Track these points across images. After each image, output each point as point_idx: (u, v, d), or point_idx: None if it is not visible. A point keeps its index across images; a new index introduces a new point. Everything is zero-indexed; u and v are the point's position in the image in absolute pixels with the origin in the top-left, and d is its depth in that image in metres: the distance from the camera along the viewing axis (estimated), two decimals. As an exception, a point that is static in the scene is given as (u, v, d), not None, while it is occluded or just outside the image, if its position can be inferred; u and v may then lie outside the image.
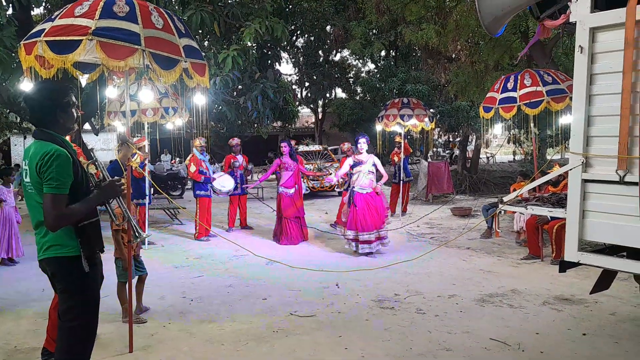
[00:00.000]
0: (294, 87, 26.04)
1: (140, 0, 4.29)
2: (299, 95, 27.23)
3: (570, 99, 6.83)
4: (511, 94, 8.05)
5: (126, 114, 4.87)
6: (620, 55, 3.32)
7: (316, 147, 18.35)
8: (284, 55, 23.62)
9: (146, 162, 8.82)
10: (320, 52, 25.53)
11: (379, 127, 11.69)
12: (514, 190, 6.45)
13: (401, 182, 11.80)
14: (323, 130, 29.44)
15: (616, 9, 3.36)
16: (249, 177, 10.94)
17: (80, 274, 2.86)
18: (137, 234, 3.30)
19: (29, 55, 4.03)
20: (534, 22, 9.33)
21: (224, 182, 9.69)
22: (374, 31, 20.49)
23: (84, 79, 4.92)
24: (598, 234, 3.62)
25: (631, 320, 4.91)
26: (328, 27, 23.32)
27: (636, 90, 3.30)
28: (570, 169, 3.67)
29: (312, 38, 24.21)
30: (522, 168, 18.11)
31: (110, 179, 3.03)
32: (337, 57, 27.15)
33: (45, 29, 4.02)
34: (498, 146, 25.98)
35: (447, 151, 28.82)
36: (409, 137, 18.76)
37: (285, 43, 18.36)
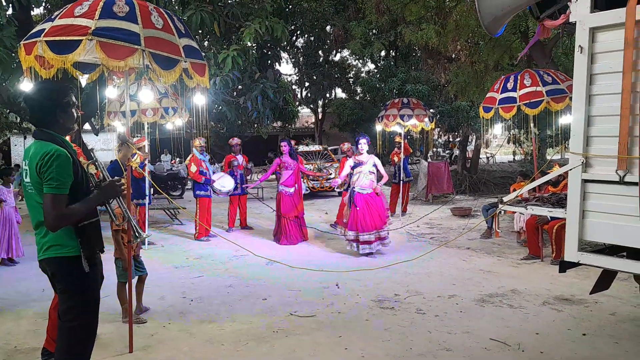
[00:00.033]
0: (293, 87, 26.04)
1: (140, 0, 4.29)
2: (298, 96, 27.23)
3: (570, 99, 6.84)
4: (511, 94, 8.05)
5: (126, 114, 4.87)
6: (620, 55, 3.32)
7: (316, 147, 18.34)
8: (284, 55, 23.63)
9: (146, 162, 8.82)
10: (320, 52, 25.53)
11: (378, 127, 11.69)
12: (514, 190, 6.45)
13: (401, 182, 11.80)
14: (323, 131, 29.44)
15: (616, 9, 3.36)
16: (249, 177, 10.94)
17: (80, 274, 2.86)
18: (137, 234, 3.30)
19: (29, 56, 4.03)
20: (533, 22, 9.33)
21: (224, 182, 9.70)
22: (374, 31, 20.49)
23: (83, 79, 4.92)
24: (598, 234, 3.62)
25: (631, 320, 4.91)
26: (328, 27, 23.32)
27: (636, 90, 3.30)
28: (570, 169, 3.67)
29: (312, 38, 24.21)
30: (522, 168, 18.12)
31: (110, 179, 3.03)
32: (337, 57, 27.18)
33: (45, 29, 4.02)
34: (498, 146, 26.00)
35: (447, 151, 28.83)
36: (408, 137, 18.77)
37: (285, 43, 18.37)
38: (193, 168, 9.30)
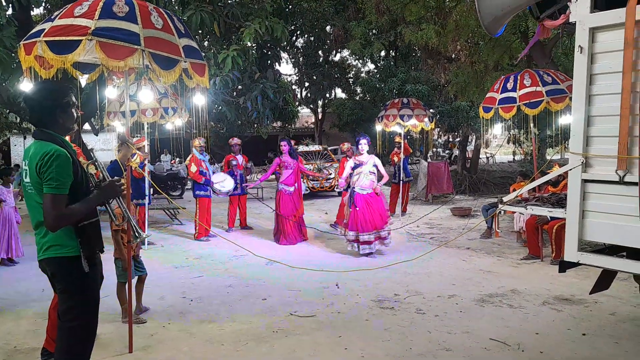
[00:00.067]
0: (293, 87, 26.04)
1: (140, 0, 4.29)
2: (298, 96, 27.22)
3: (570, 99, 6.84)
4: (511, 94, 8.06)
5: (126, 114, 4.87)
6: (620, 55, 3.32)
7: (316, 148, 18.35)
8: (284, 55, 23.62)
9: (146, 162, 8.82)
10: (320, 52, 25.52)
11: (378, 128, 11.70)
12: (514, 190, 6.45)
13: (401, 182, 11.80)
14: (323, 131, 29.44)
15: (616, 9, 3.36)
16: (249, 177, 10.95)
17: (80, 274, 2.86)
18: (136, 235, 3.30)
19: (29, 56, 4.03)
20: (533, 22, 9.34)
21: (223, 183, 9.70)
22: (374, 31, 20.49)
23: (83, 79, 4.92)
24: (598, 234, 3.62)
25: (631, 320, 4.91)
26: (328, 27, 23.32)
27: (636, 90, 3.30)
28: (570, 169, 3.67)
29: (312, 38, 24.21)
30: (521, 168, 18.12)
31: (110, 179, 3.03)
32: (337, 57, 27.16)
33: (44, 29, 4.02)
34: (498, 146, 26.01)
35: (447, 151, 28.84)
36: (408, 137, 18.75)
37: (285, 43, 18.35)
38: (193, 168, 9.30)
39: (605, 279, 4.16)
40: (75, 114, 3.03)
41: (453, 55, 15.95)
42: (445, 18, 12.69)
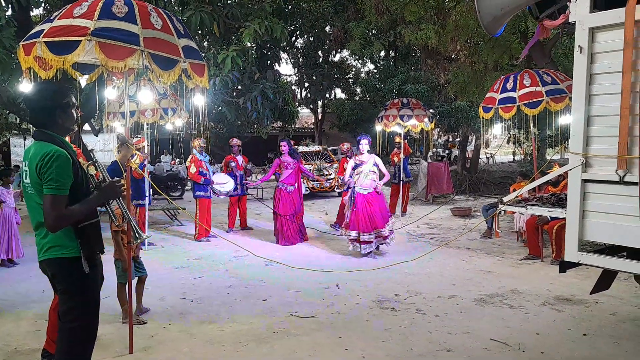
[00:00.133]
0: (293, 87, 26.04)
1: (139, 0, 4.29)
2: (298, 96, 27.23)
3: (570, 99, 6.84)
4: (510, 94, 8.06)
5: (125, 114, 4.86)
6: (620, 55, 3.32)
7: (316, 148, 18.34)
8: (284, 55, 23.61)
9: (146, 162, 8.82)
10: (319, 52, 25.53)
11: (378, 128, 11.70)
12: (514, 190, 6.45)
13: (401, 182, 11.80)
14: (323, 131, 29.44)
15: (615, 9, 3.36)
16: (249, 177, 10.95)
17: (80, 275, 2.86)
18: (137, 235, 3.29)
19: (28, 56, 4.02)
20: (533, 22, 9.34)
21: (224, 183, 9.70)
22: (374, 31, 20.49)
23: (83, 80, 4.92)
24: (598, 234, 3.62)
25: (631, 320, 4.91)
26: (327, 28, 23.32)
27: (636, 90, 3.30)
28: (570, 169, 3.67)
29: (312, 38, 24.21)
30: (521, 168, 18.12)
31: (110, 179, 3.03)
32: (337, 58, 27.17)
33: (44, 29, 4.01)
34: (498, 146, 26.01)
35: (446, 151, 28.85)
36: (408, 137, 18.76)
37: (285, 43, 18.37)
38: (192, 169, 9.30)
39: (606, 279, 4.16)
40: (75, 115, 3.03)
41: (453, 56, 15.96)
42: (445, 18, 12.69)
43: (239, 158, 10.46)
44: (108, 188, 2.96)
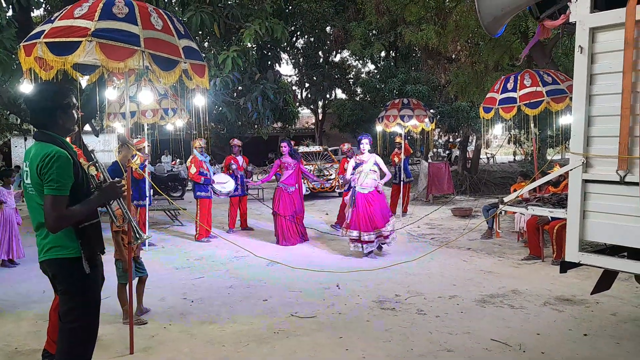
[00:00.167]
0: (294, 88, 26.05)
1: (140, 1, 4.29)
2: (299, 96, 27.24)
3: (570, 99, 6.83)
4: (511, 94, 8.05)
5: (126, 115, 4.87)
6: (620, 55, 3.32)
7: (316, 148, 18.34)
8: (284, 56, 23.64)
9: (146, 163, 8.82)
10: (320, 53, 25.54)
11: (379, 128, 11.69)
12: (515, 190, 6.46)
13: (401, 182, 11.80)
14: (323, 131, 29.45)
15: (616, 9, 3.36)
16: (249, 178, 10.95)
17: (81, 275, 2.86)
18: (137, 236, 3.29)
19: (29, 57, 4.03)
20: (533, 23, 9.33)
21: (224, 183, 9.70)
22: (374, 32, 20.50)
23: (83, 81, 4.91)
24: (599, 234, 3.62)
25: (632, 320, 4.91)
26: (328, 28, 23.34)
27: (636, 90, 3.30)
28: (571, 169, 3.67)
29: (312, 39, 24.23)
30: (522, 168, 18.11)
31: (111, 180, 3.03)
32: (337, 58, 27.19)
33: (44, 30, 4.02)
34: (498, 146, 25.99)
35: (446, 152, 28.85)
36: (409, 137, 18.77)
37: (285, 44, 18.35)
38: (193, 169, 9.31)
39: (606, 279, 4.16)
40: (75, 115, 3.03)
41: (453, 56, 15.94)
42: (445, 18, 12.67)
43: (240, 158, 10.46)
44: (109, 188, 2.96)
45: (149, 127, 9.74)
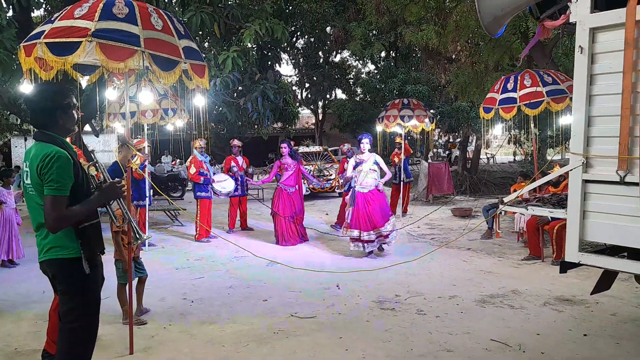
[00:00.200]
0: (294, 88, 26.06)
1: (140, 1, 4.29)
2: (299, 97, 27.25)
3: (570, 99, 6.83)
4: (511, 94, 8.05)
5: (126, 115, 4.87)
6: (621, 56, 3.32)
7: (316, 148, 18.34)
8: (284, 56, 23.65)
9: (146, 163, 8.82)
10: (320, 53, 25.55)
11: (379, 128, 11.70)
12: (515, 190, 6.46)
13: (401, 182, 11.80)
14: (323, 131, 29.45)
15: (616, 9, 3.36)
16: (250, 178, 10.96)
17: (81, 275, 2.86)
18: (137, 236, 3.29)
19: (29, 57, 4.03)
20: (533, 23, 9.33)
21: (224, 184, 9.70)
22: (374, 32, 20.50)
23: (84, 81, 4.91)
24: (599, 234, 3.62)
25: (632, 320, 4.91)
26: (328, 28, 23.34)
27: (636, 90, 3.30)
28: (571, 170, 3.67)
29: (312, 39, 24.23)
30: (522, 168, 18.10)
31: (111, 180, 3.03)
32: (337, 58, 27.21)
33: (45, 30, 4.02)
34: (498, 147, 25.99)
35: (446, 152, 28.85)
36: (409, 137, 18.77)
37: (286, 44, 18.36)
38: (192, 169, 9.31)
39: (606, 279, 4.16)
40: (75, 116, 3.03)
41: (453, 56, 15.93)
42: (446, 19, 12.67)
43: (240, 159, 10.47)
44: (109, 189, 2.96)
45: (149, 127, 9.74)
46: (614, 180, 3.42)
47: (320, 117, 29.24)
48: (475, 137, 20.94)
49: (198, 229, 9.25)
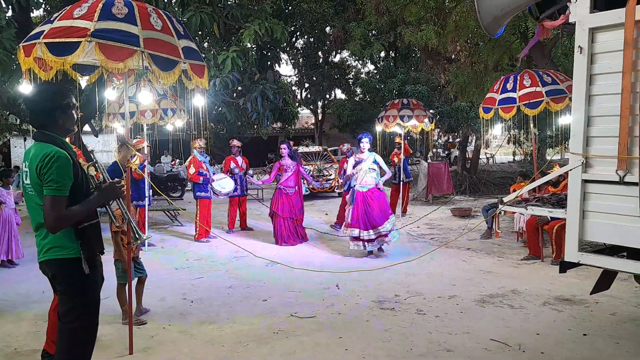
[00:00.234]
0: (293, 88, 26.07)
1: (139, 1, 4.29)
2: (298, 97, 27.26)
3: (570, 99, 6.84)
4: (511, 94, 8.06)
5: (125, 115, 4.87)
6: (620, 56, 3.32)
7: (316, 148, 18.34)
8: (284, 56, 23.65)
9: (145, 163, 8.82)
10: (319, 53, 25.56)
11: (378, 128, 11.69)
12: (514, 190, 6.46)
13: (401, 182, 11.80)
14: (323, 131, 29.46)
15: (615, 9, 3.36)
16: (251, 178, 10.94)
17: (80, 275, 2.86)
18: (137, 236, 3.29)
19: (28, 57, 4.02)
20: (533, 23, 9.34)
21: (223, 184, 9.70)
22: (374, 32, 20.51)
23: (83, 81, 4.91)
24: (598, 234, 3.62)
25: (632, 320, 4.91)
26: (327, 28, 23.34)
27: (636, 90, 3.30)
28: (570, 170, 3.67)
29: (312, 39, 24.23)
30: (522, 168, 18.12)
31: (110, 180, 3.03)
32: (337, 58, 27.22)
33: (44, 30, 4.01)
34: (498, 147, 26.01)
35: (446, 152, 28.86)
36: (408, 137, 18.76)
37: (285, 44, 18.37)
38: (192, 170, 9.32)
39: (606, 279, 4.16)
40: (75, 116, 3.03)
41: (453, 56, 15.96)
42: (445, 19, 12.69)
43: (239, 159, 10.46)
44: (108, 189, 2.96)
45: (148, 127, 9.74)
46: (614, 180, 3.42)
47: (320, 117, 29.24)
48: (474, 137, 20.95)
49: (198, 229, 9.25)
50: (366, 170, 7.75)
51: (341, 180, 8.63)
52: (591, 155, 3.57)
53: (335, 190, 14.96)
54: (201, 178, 9.27)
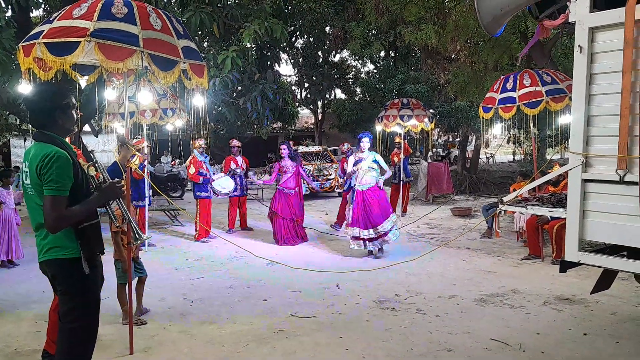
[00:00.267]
0: (293, 88, 26.07)
1: (139, 1, 4.29)
2: (298, 96, 27.26)
3: (570, 98, 6.84)
4: (510, 94, 8.06)
5: (125, 115, 4.87)
6: (620, 55, 3.33)
7: (316, 148, 18.34)
8: (284, 56, 23.64)
9: (145, 163, 8.82)
10: (319, 52, 25.55)
11: (378, 128, 11.69)
12: (514, 190, 6.45)
13: (401, 182, 11.80)
14: (323, 131, 29.45)
15: (615, 8, 3.36)
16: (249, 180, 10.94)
17: (80, 275, 2.86)
18: (137, 236, 3.29)
19: (28, 57, 4.02)
20: (533, 22, 9.34)
21: (223, 183, 9.70)
22: (373, 32, 20.51)
23: (83, 81, 4.91)
24: (598, 233, 3.62)
25: (632, 320, 4.91)
26: (327, 28, 23.34)
27: (636, 89, 3.30)
28: (570, 169, 3.67)
29: (312, 39, 24.23)
30: (521, 168, 18.13)
31: (110, 180, 3.03)
32: (337, 58, 27.21)
33: (43, 30, 4.01)
34: (498, 146, 26.02)
35: (446, 151, 28.87)
36: (408, 137, 18.76)
37: (285, 44, 18.36)
38: (192, 169, 9.32)
39: (606, 278, 4.16)
40: (74, 116, 3.03)
41: (453, 56, 15.96)
42: (445, 18, 12.70)
43: (239, 159, 10.46)
44: (108, 189, 2.96)
45: (148, 127, 9.73)
46: (614, 180, 3.42)
47: (320, 117, 29.24)
48: (474, 136, 20.96)
49: (198, 229, 9.25)
50: (366, 169, 7.75)
51: (341, 180, 8.63)
52: (591, 155, 3.57)
53: (335, 190, 14.96)
54: (201, 178, 9.27)
